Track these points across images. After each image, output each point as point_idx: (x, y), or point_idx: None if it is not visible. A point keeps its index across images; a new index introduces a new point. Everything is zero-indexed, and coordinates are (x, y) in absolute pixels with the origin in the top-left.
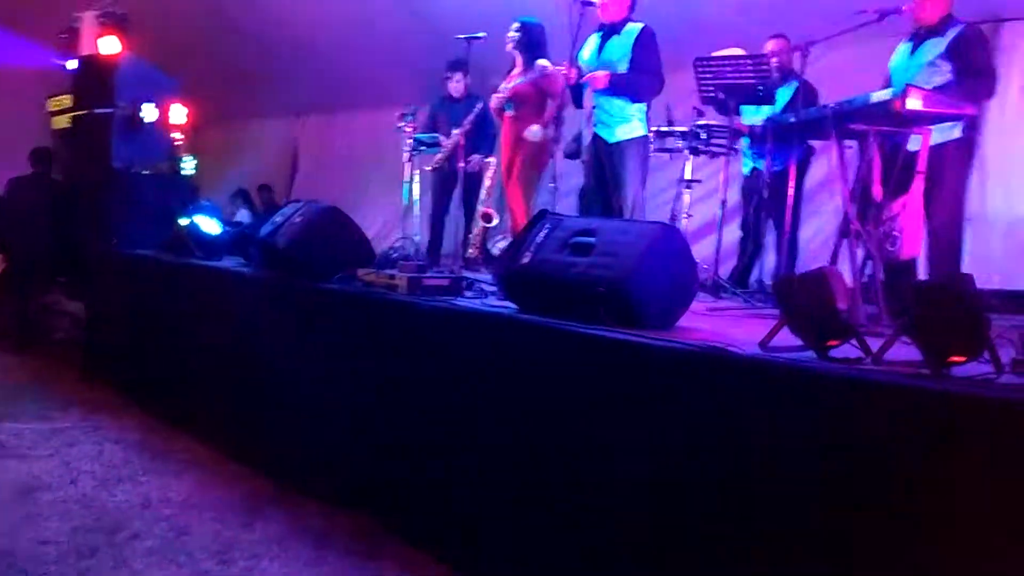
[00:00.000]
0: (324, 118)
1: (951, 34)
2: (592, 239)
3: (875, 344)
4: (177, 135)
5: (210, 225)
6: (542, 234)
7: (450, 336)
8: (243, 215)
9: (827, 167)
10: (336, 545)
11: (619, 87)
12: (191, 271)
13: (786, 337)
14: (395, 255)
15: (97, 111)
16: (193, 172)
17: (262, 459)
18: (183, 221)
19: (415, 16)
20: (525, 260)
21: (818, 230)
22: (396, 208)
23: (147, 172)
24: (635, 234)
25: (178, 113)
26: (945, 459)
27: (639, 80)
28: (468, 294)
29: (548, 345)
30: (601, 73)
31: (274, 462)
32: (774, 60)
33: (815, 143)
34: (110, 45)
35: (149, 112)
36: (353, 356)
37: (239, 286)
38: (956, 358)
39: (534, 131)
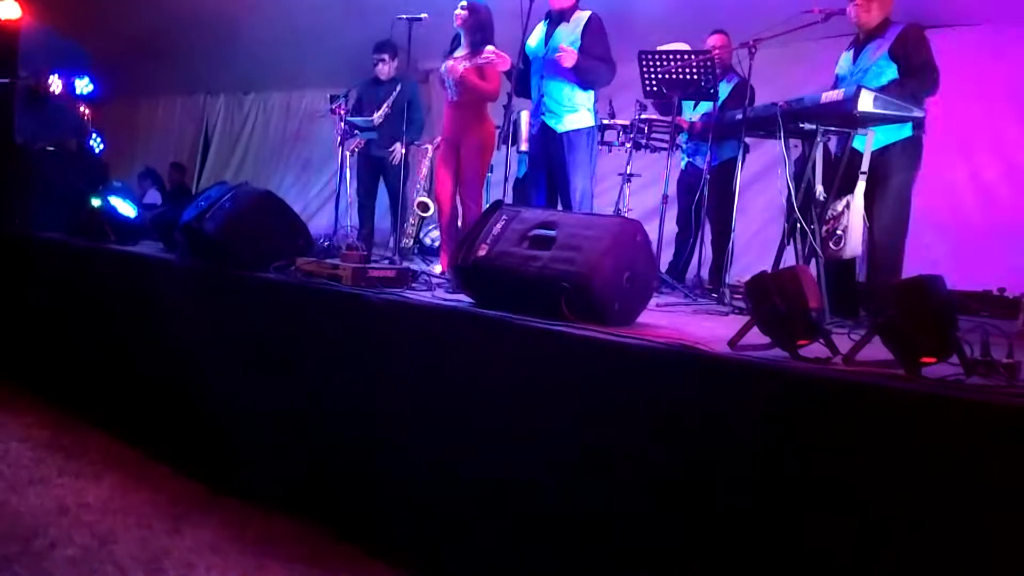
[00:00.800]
0: (236, 97)
1: (891, 34)
2: (552, 232)
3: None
4: (84, 109)
5: (125, 207)
6: (499, 226)
7: (402, 331)
8: (152, 196)
9: (757, 165)
10: (278, 552)
11: (580, 71)
12: (107, 257)
13: (752, 335)
14: (328, 243)
15: None
16: (102, 149)
17: (189, 459)
18: (95, 202)
19: None
20: (482, 252)
21: (746, 226)
22: (316, 193)
23: (52, 149)
24: (598, 228)
25: (85, 86)
26: (918, 459)
27: (597, 67)
28: (416, 286)
29: (508, 341)
30: (571, 50)
31: (203, 463)
32: (716, 54)
33: (749, 140)
34: (9, 10)
35: (55, 84)
36: (292, 350)
37: (161, 274)
38: (927, 359)
39: (452, 65)
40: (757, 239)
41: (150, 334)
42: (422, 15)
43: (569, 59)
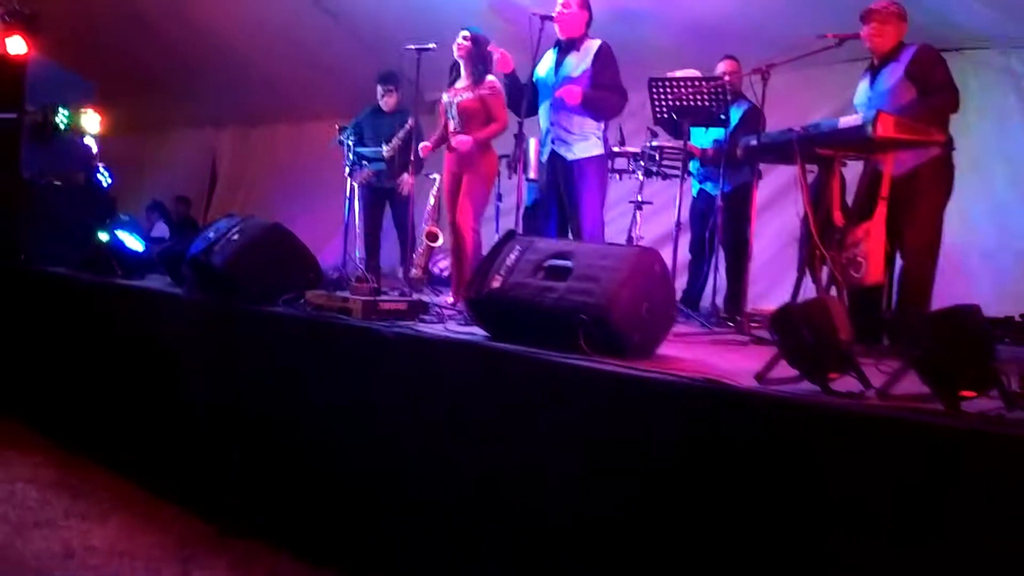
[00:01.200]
0: (243, 130)
1: (905, 56)
2: (568, 263)
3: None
4: (92, 143)
5: (132, 241)
6: (512, 256)
7: (416, 365)
8: (160, 229)
9: (769, 190)
10: None
11: (589, 104)
12: (113, 292)
13: (779, 367)
14: (338, 275)
15: (3, 116)
16: (110, 184)
17: (197, 498)
18: (103, 236)
19: (341, 27)
20: (496, 284)
21: (759, 252)
22: (323, 223)
23: (59, 183)
24: (615, 258)
25: (93, 120)
26: (959, 498)
27: (607, 97)
28: (426, 318)
29: (526, 375)
30: (576, 88)
31: (211, 502)
32: (727, 79)
33: (763, 166)
34: (16, 45)
35: (62, 119)
36: (301, 385)
37: (169, 309)
38: (966, 393)
39: (462, 139)
40: (770, 265)
41: (158, 370)
42: (431, 45)
43: (573, 97)
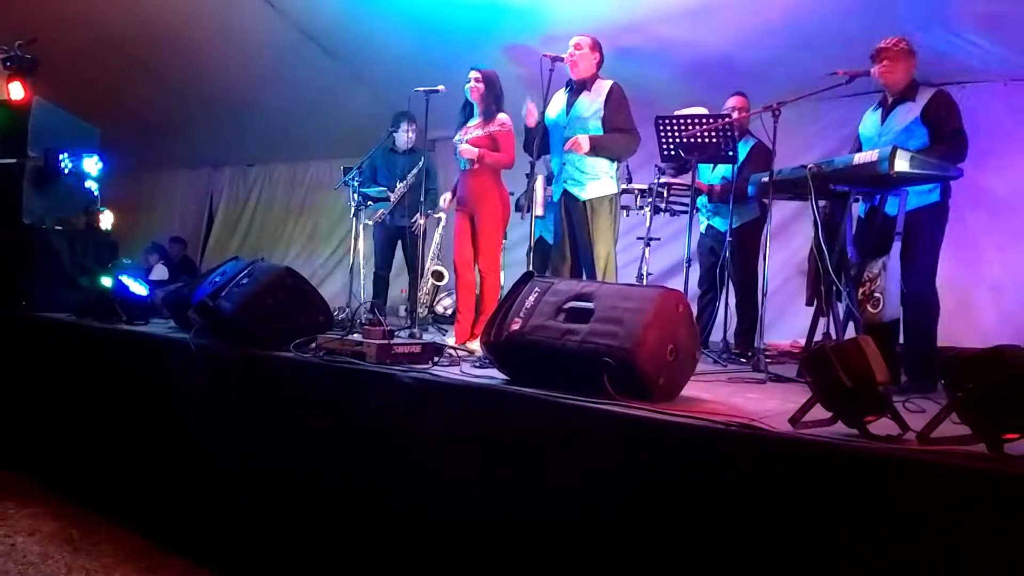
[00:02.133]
0: (241, 170)
1: (922, 99)
2: (590, 304)
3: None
4: (94, 187)
5: (136, 286)
6: (532, 298)
7: (435, 411)
8: (160, 271)
9: (773, 223)
10: None
11: (600, 149)
12: (117, 338)
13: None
14: (343, 315)
15: (5, 161)
16: (111, 227)
17: (205, 550)
18: (106, 282)
19: (341, 68)
20: (515, 327)
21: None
22: (323, 262)
23: (61, 228)
24: (639, 299)
25: (95, 164)
26: (1007, 544)
27: (619, 139)
28: (442, 361)
29: (550, 420)
30: (583, 138)
31: (221, 553)
32: (735, 115)
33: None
34: (17, 91)
35: (65, 163)
36: (317, 433)
37: (176, 355)
38: (1010, 435)
39: (466, 147)
40: (775, 297)
41: (163, 418)
42: (439, 87)
43: (583, 148)
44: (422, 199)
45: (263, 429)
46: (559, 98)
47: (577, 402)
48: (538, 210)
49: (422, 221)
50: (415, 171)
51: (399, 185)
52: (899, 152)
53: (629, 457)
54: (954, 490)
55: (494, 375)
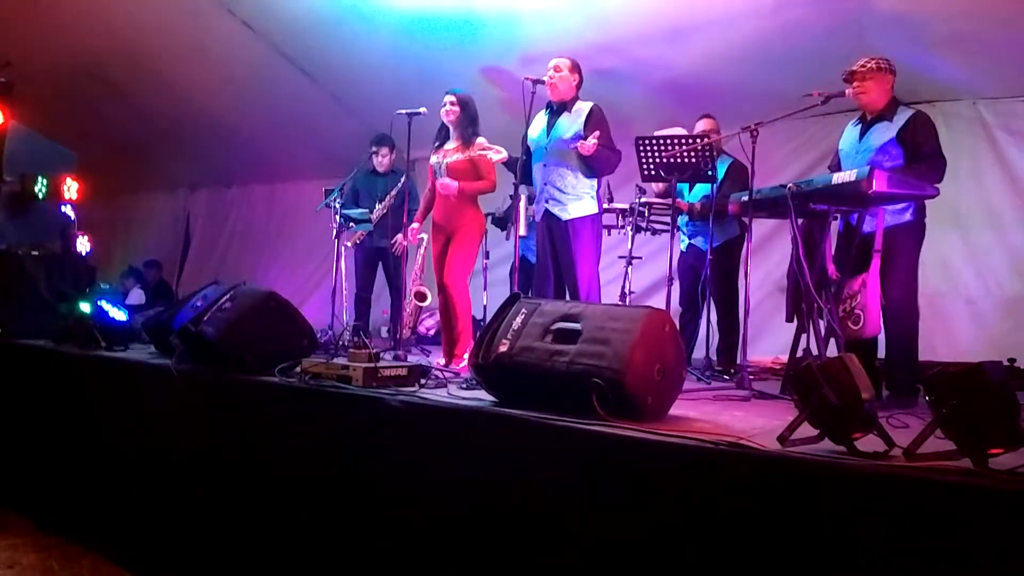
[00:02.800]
0: (218, 191)
1: (900, 119)
2: (577, 325)
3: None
4: (70, 212)
5: (115, 311)
6: (519, 319)
7: (424, 433)
8: (136, 296)
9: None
10: None
11: (594, 159)
12: (97, 365)
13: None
14: (326, 337)
15: None
16: (88, 252)
17: None
18: (85, 307)
19: (319, 89)
20: (503, 348)
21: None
22: (302, 284)
23: (37, 253)
24: (626, 320)
25: (70, 188)
26: (993, 555)
27: (609, 156)
28: (429, 383)
29: (540, 442)
30: (591, 141)
31: None
32: (713, 140)
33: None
34: None
35: (41, 188)
36: (304, 458)
37: (158, 382)
38: (994, 450)
39: (446, 182)
40: (755, 313)
41: (145, 446)
42: (422, 110)
43: (589, 148)
44: (404, 220)
45: (248, 456)
46: (539, 119)
47: (567, 423)
48: (521, 230)
49: (403, 242)
50: (394, 192)
51: (378, 207)
52: (877, 172)
53: (620, 477)
54: (941, 505)
55: (482, 397)
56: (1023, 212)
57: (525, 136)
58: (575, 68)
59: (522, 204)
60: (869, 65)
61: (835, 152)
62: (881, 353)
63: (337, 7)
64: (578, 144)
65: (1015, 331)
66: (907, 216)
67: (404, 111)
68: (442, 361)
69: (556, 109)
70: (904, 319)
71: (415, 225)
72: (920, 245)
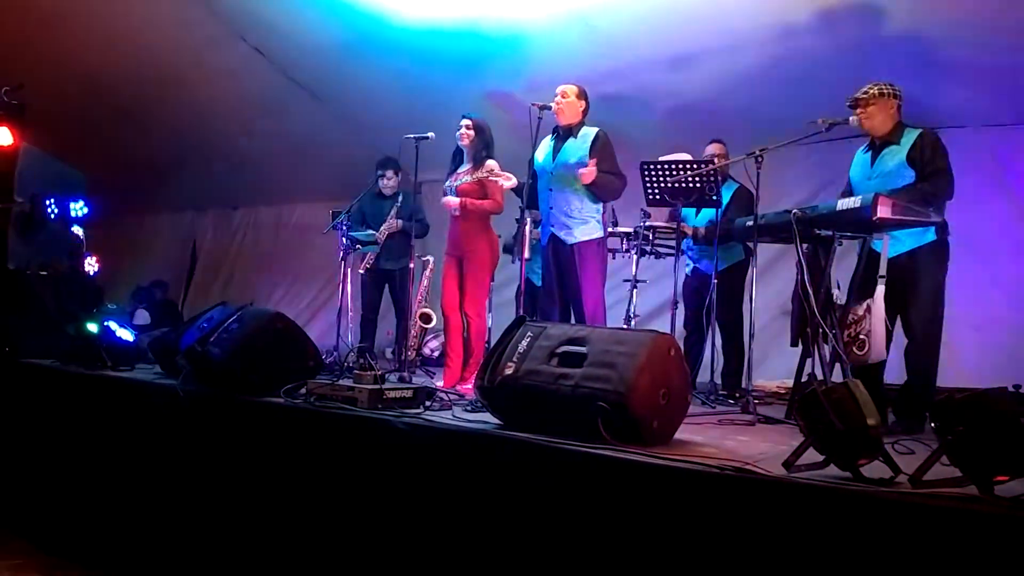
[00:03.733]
0: (225, 212)
1: (907, 141)
2: (583, 348)
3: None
4: (79, 232)
5: (122, 332)
6: (524, 342)
7: (428, 456)
8: (142, 316)
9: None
10: None
11: (596, 187)
12: (104, 385)
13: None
14: (331, 359)
15: None
16: (96, 272)
17: None
18: (92, 327)
19: (327, 112)
20: (508, 371)
21: (748, 326)
22: (307, 304)
23: (46, 273)
24: (631, 344)
25: (80, 209)
26: None
27: (613, 180)
28: (433, 405)
29: (545, 466)
30: (591, 168)
31: None
32: (717, 162)
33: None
34: (4, 137)
35: (51, 208)
36: (309, 480)
37: (164, 402)
38: (1000, 477)
39: (450, 200)
40: (760, 336)
41: (150, 467)
42: (430, 135)
43: (589, 176)
44: (412, 241)
45: (254, 477)
46: (545, 144)
47: (572, 447)
48: (525, 252)
49: (411, 265)
50: (393, 212)
51: (381, 229)
52: (881, 199)
53: (625, 501)
54: (947, 532)
55: (487, 419)
56: None
57: (532, 160)
58: (582, 95)
59: (527, 227)
60: (872, 91)
61: (847, 180)
62: (891, 377)
63: (346, 33)
64: (579, 172)
65: (1021, 356)
66: (929, 236)
67: (412, 136)
68: (441, 384)
69: (562, 134)
70: (927, 345)
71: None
72: (945, 267)
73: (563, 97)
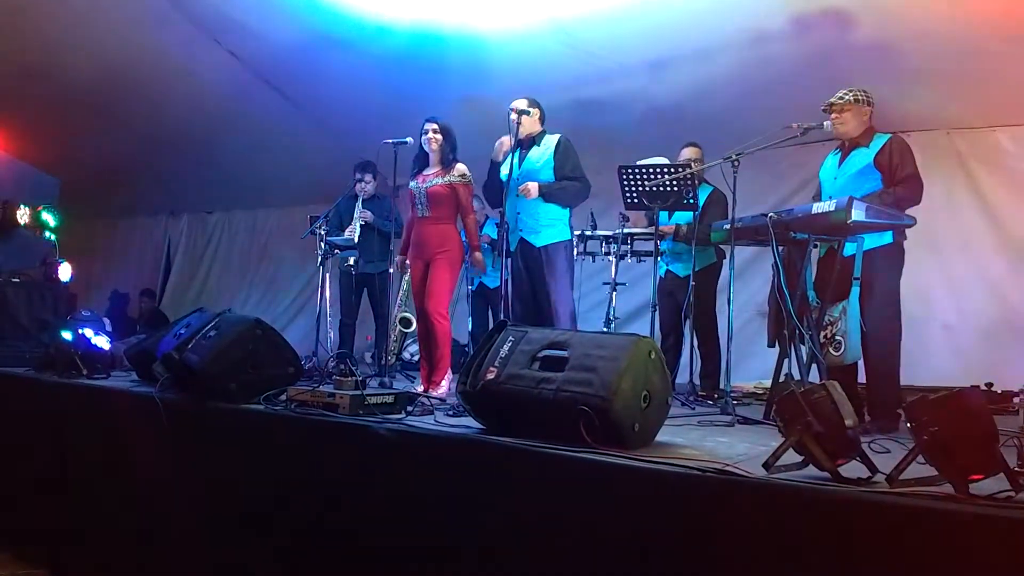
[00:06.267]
0: (199, 217)
1: (876, 145)
2: (564, 352)
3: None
4: (51, 237)
5: (98, 339)
6: (506, 347)
7: (410, 462)
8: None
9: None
10: None
11: (551, 197)
12: (81, 393)
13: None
14: (310, 364)
15: None
16: (70, 279)
17: None
18: (66, 335)
19: (303, 115)
20: (490, 376)
21: (724, 326)
22: (283, 310)
23: (18, 280)
24: (612, 348)
25: (51, 214)
26: None
27: (569, 188)
28: (415, 410)
29: (527, 469)
30: (532, 185)
31: None
32: (695, 166)
33: (725, 248)
34: None
35: (22, 215)
36: (289, 487)
37: (142, 410)
38: (975, 476)
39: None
40: (737, 338)
41: (128, 476)
42: (407, 139)
43: (532, 193)
44: (391, 246)
45: (234, 484)
46: (509, 155)
47: (554, 450)
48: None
49: (390, 268)
50: (357, 214)
51: (347, 229)
52: (855, 203)
53: (607, 505)
54: (924, 530)
55: (469, 423)
56: (997, 238)
57: (494, 163)
58: (534, 103)
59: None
60: (847, 97)
61: (818, 182)
62: (862, 378)
63: (320, 36)
64: (519, 189)
65: (991, 355)
66: (886, 239)
67: (391, 140)
68: (420, 387)
69: (526, 144)
70: (885, 344)
71: (400, 258)
72: (900, 269)
73: (517, 114)
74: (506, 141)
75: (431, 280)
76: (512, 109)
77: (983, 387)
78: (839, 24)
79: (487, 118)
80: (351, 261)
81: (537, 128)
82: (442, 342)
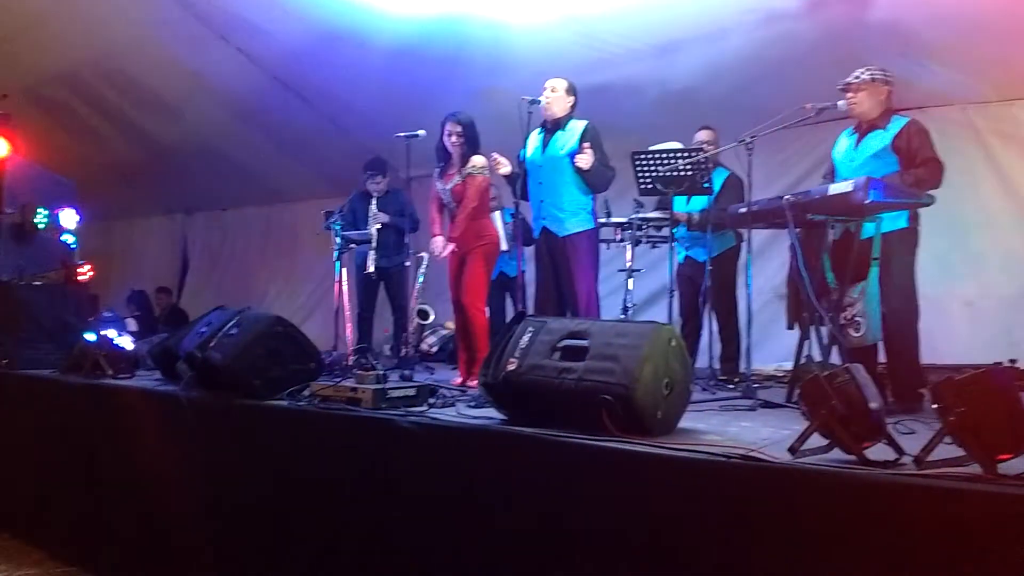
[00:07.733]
0: (214, 214)
1: (893, 128)
2: (584, 342)
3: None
4: (71, 240)
5: (121, 339)
6: (526, 338)
7: (435, 454)
8: (132, 324)
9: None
10: None
11: (593, 174)
12: (106, 393)
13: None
14: (330, 359)
15: None
16: (89, 279)
17: None
18: (89, 336)
19: (313, 111)
20: (512, 366)
21: (743, 310)
22: (301, 304)
23: (40, 283)
24: (633, 335)
25: (70, 217)
26: (1006, 561)
27: (604, 172)
28: (437, 402)
29: (552, 458)
30: (587, 153)
31: None
32: (708, 149)
33: (743, 231)
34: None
35: (41, 218)
36: (316, 482)
37: (167, 408)
38: (1004, 455)
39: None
40: (756, 322)
41: (154, 474)
42: (420, 132)
43: (587, 160)
44: (407, 239)
45: (259, 481)
46: (534, 138)
47: (577, 440)
48: (504, 244)
49: (407, 262)
50: (373, 206)
51: (370, 225)
52: (872, 183)
53: (632, 493)
54: (953, 512)
55: (491, 415)
56: (1016, 214)
57: (520, 155)
58: (571, 90)
59: (497, 218)
60: (864, 76)
61: (830, 162)
62: (882, 357)
63: (329, 32)
64: (575, 157)
65: (1012, 331)
66: (901, 223)
67: (403, 134)
68: (458, 379)
69: (550, 128)
70: (904, 324)
71: (440, 238)
72: (915, 250)
73: (552, 91)
74: (497, 158)
75: (467, 274)
76: (524, 99)
77: (1006, 364)
78: (852, 0)
79: (503, 109)
80: (371, 268)
81: (566, 112)
82: (480, 334)
